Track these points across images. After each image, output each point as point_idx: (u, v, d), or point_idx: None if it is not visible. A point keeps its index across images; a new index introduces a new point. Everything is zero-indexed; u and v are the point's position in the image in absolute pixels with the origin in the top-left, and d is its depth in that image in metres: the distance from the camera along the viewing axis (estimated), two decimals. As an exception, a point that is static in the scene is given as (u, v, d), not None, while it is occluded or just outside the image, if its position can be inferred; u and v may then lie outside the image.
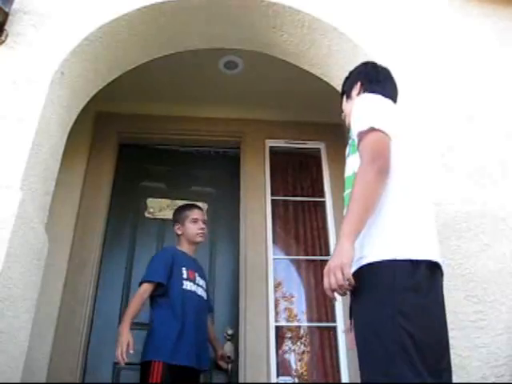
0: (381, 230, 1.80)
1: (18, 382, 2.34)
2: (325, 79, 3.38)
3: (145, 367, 2.99)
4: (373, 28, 3.12)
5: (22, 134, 2.51)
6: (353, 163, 2.03)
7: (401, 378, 1.59)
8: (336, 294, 1.76)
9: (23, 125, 2.54)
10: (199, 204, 4.18)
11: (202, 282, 3.30)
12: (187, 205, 3.58)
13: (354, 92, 2.32)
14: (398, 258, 1.74)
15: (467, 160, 2.79)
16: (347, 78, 2.45)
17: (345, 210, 1.98)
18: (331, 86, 3.32)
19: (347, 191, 2.03)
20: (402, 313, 1.67)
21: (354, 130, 1.98)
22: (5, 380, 2.19)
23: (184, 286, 3.15)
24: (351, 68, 2.50)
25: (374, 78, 2.31)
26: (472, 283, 2.44)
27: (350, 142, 2.13)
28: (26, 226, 2.39)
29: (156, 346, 3.03)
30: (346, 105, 2.38)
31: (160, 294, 3.16)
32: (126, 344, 2.94)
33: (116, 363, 3.37)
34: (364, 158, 1.86)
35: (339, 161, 4.36)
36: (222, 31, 3.30)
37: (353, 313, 1.88)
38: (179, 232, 3.41)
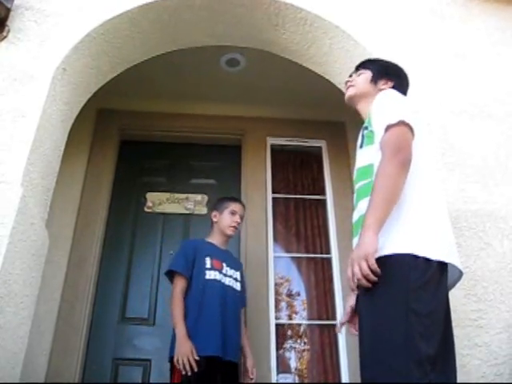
0: (399, 224, 1.80)
1: (18, 377, 2.34)
2: (326, 77, 3.38)
3: (171, 363, 2.89)
4: (374, 26, 3.12)
5: (23, 130, 2.52)
6: (369, 154, 2.03)
7: (409, 377, 1.59)
8: (357, 285, 1.77)
9: (25, 121, 2.54)
10: (199, 196, 4.20)
11: (232, 272, 3.20)
12: (231, 197, 3.54)
13: (381, 82, 2.28)
14: (416, 253, 1.74)
15: (469, 159, 2.79)
16: (379, 61, 2.41)
17: (359, 202, 1.99)
18: (332, 83, 3.32)
19: (361, 183, 2.02)
20: (415, 312, 1.67)
21: (379, 122, 1.97)
22: (4, 376, 2.20)
23: (207, 276, 3.06)
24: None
25: (404, 87, 2.32)
26: (472, 282, 2.45)
27: (364, 132, 2.11)
28: (27, 222, 2.39)
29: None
30: (364, 83, 2.31)
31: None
32: (190, 353, 2.79)
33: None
34: (387, 150, 1.86)
35: (340, 159, 4.41)
36: (224, 29, 3.30)
37: (360, 306, 1.86)
38: (215, 219, 3.35)
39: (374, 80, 2.30)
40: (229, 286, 3.12)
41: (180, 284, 3.04)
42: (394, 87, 2.23)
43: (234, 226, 3.29)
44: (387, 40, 3.08)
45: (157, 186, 4.39)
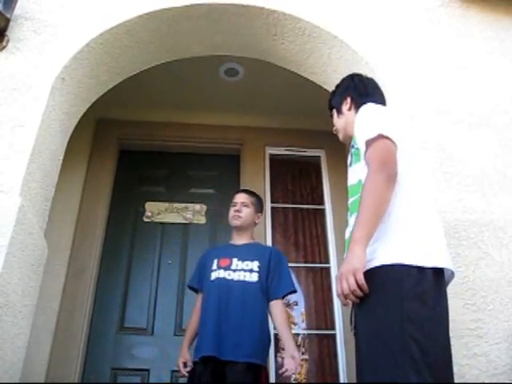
0: (388, 235, 1.81)
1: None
2: (325, 87, 3.39)
3: None
4: (373, 36, 3.13)
5: (22, 140, 2.52)
6: (357, 171, 2.04)
7: None
8: (348, 300, 1.78)
9: (23, 130, 2.55)
10: (198, 205, 4.19)
11: (245, 264, 3.05)
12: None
13: (345, 107, 2.35)
14: (405, 263, 1.73)
15: (467, 168, 2.80)
16: (334, 93, 2.48)
17: (350, 218, 2.00)
18: (330, 93, 3.33)
19: (352, 199, 2.04)
20: (410, 320, 1.66)
21: (361, 138, 1.99)
22: (2, 386, 2.19)
23: (211, 278, 3.03)
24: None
25: (363, 91, 2.34)
26: (471, 291, 2.44)
27: (352, 150, 2.13)
28: (25, 232, 2.39)
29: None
30: (338, 120, 2.41)
31: None
32: (180, 362, 2.98)
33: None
34: (372, 165, 1.87)
35: (339, 168, 4.40)
36: (223, 39, 3.32)
37: (356, 316, 1.86)
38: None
39: (340, 111, 2.38)
40: (237, 282, 2.98)
41: (197, 297, 3.15)
42: (353, 99, 2.31)
43: (234, 216, 3.22)
44: (385, 50, 3.09)
45: (156, 195, 4.40)
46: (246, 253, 3.12)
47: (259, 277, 3.01)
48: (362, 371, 1.75)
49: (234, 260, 3.07)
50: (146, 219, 4.27)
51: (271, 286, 3.03)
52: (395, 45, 3.15)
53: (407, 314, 1.67)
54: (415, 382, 1.58)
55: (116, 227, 4.20)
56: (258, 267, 3.04)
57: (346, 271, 1.73)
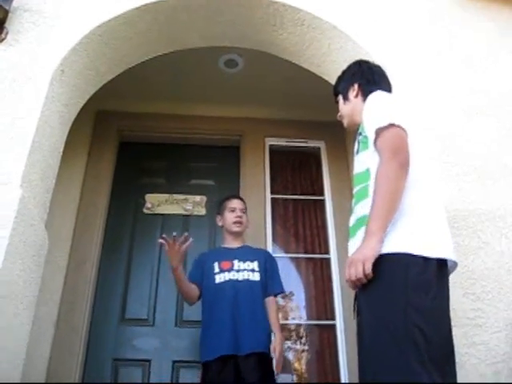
0: (396, 224, 1.82)
1: (19, 378, 2.35)
2: (325, 78, 3.39)
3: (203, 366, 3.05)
4: (373, 26, 3.13)
5: (22, 132, 2.52)
6: (364, 159, 2.04)
7: (413, 375, 1.59)
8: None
9: (23, 122, 2.55)
10: (198, 197, 4.19)
11: (247, 264, 3.22)
12: (228, 196, 3.58)
13: (352, 94, 2.34)
14: (412, 252, 1.75)
15: (467, 158, 2.80)
16: (340, 79, 2.47)
17: (355, 206, 2.01)
18: (331, 84, 3.33)
19: (358, 187, 2.05)
20: (414, 308, 1.68)
21: (370, 127, 1.99)
22: (5, 377, 2.20)
23: (217, 281, 3.14)
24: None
25: (370, 78, 2.34)
26: (470, 281, 2.46)
27: (359, 138, 2.13)
28: (26, 224, 2.40)
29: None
30: (344, 106, 2.40)
31: None
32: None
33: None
34: (385, 154, 1.88)
35: (339, 160, 4.42)
36: (222, 29, 3.31)
37: (360, 303, 1.87)
38: (220, 223, 3.44)
39: (347, 98, 2.37)
40: (243, 281, 3.14)
41: (195, 287, 3.20)
42: (360, 85, 2.30)
43: (236, 222, 3.34)
44: (385, 41, 3.09)
45: (156, 187, 4.40)
46: (244, 254, 3.28)
47: (260, 276, 3.20)
48: (364, 357, 1.76)
49: (235, 261, 3.21)
50: (146, 211, 4.27)
51: (268, 284, 3.25)
52: (395, 35, 3.15)
53: (411, 301, 1.69)
54: (418, 371, 1.59)
55: (116, 218, 4.21)
56: (258, 267, 3.23)
57: (356, 259, 1.77)
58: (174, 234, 2.97)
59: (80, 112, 3.13)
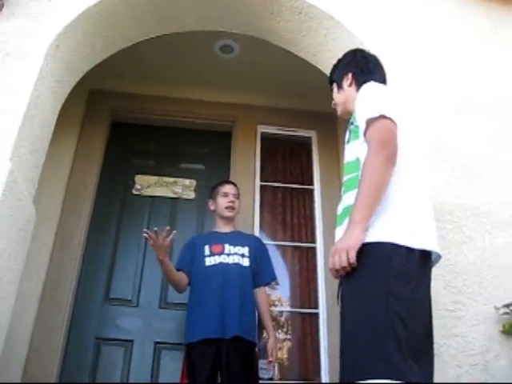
0: (382, 214, 1.84)
1: (0, 349, 2.36)
2: (319, 67, 3.40)
3: (186, 350, 3.08)
4: (369, 18, 3.14)
5: (14, 105, 2.52)
6: (355, 149, 2.06)
7: (391, 363, 1.61)
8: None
9: (16, 96, 2.55)
10: (187, 180, 4.21)
11: (237, 249, 3.23)
12: (220, 181, 3.61)
13: (346, 82, 2.35)
14: (396, 242, 1.77)
15: (455, 154, 2.83)
16: (335, 67, 2.48)
17: (344, 195, 2.03)
18: (326, 74, 3.34)
19: (347, 176, 2.06)
20: (395, 296, 1.70)
21: (361, 117, 2.00)
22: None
23: (207, 263, 3.16)
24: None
25: (365, 67, 2.34)
26: (452, 274, 2.49)
27: (351, 127, 2.15)
28: (14, 197, 2.40)
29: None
30: (338, 95, 2.41)
31: None
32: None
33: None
34: (373, 145, 1.89)
35: (330, 150, 4.44)
36: (220, 14, 3.31)
37: (343, 290, 1.89)
38: (212, 208, 3.45)
39: (341, 87, 2.38)
40: (233, 264, 3.16)
41: (181, 274, 3.20)
42: (354, 75, 2.31)
43: (228, 207, 3.36)
44: (381, 32, 3.10)
45: (146, 169, 4.40)
46: (235, 239, 3.30)
47: (250, 262, 3.22)
48: (344, 343, 1.78)
49: (226, 245, 3.23)
50: (135, 192, 4.27)
51: (258, 272, 3.24)
52: (390, 28, 3.16)
53: (393, 290, 1.71)
54: (396, 359, 1.61)
55: (105, 199, 4.20)
56: (248, 252, 3.25)
57: (340, 248, 1.78)
58: (155, 228, 2.97)
59: (73, 90, 3.13)
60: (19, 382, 3.33)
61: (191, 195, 4.32)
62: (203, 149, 4.57)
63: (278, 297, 4.12)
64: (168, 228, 2.99)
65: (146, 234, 2.98)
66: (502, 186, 2.80)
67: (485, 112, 3.00)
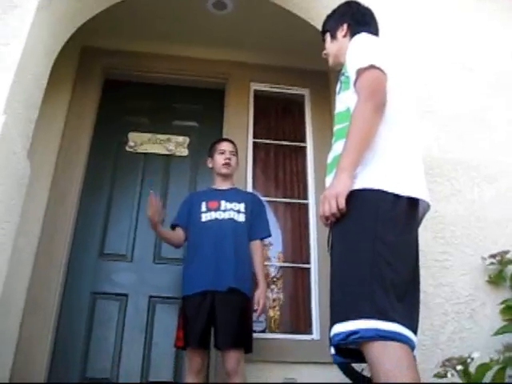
0: (370, 162, 1.87)
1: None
2: (313, 24, 3.38)
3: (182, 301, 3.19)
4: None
5: (6, 59, 2.50)
6: (346, 99, 2.07)
7: (375, 303, 1.66)
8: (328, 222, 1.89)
9: (8, 49, 2.53)
10: (181, 138, 4.26)
11: (233, 205, 3.28)
12: (218, 139, 3.67)
13: (340, 33, 2.36)
14: (383, 189, 1.81)
15: (445, 109, 2.86)
16: (329, 17, 2.48)
17: (334, 144, 2.05)
18: (319, 31, 3.32)
19: (338, 126, 2.09)
20: (382, 240, 1.75)
21: (352, 67, 2.02)
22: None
23: (203, 219, 3.22)
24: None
25: (360, 19, 2.35)
26: (441, 225, 2.54)
27: (342, 78, 2.16)
28: (9, 150, 2.42)
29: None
30: (331, 45, 2.42)
31: None
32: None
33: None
34: (362, 94, 1.92)
35: (322, 108, 4.44)
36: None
37: (333, 237, 1.93)
38: (210, 165, 3.52)
39: (335, 37, 2.39)
40: (229, 220, 3.22)
41: (177, 231, 3.32)
42: (349, 26, 2.32)
43: (225, 164, 3.41)
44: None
45: (139, 126, 4.40)
46: (232, 195, 3.36)
47: (246, 217, 3.28)
48: (332, 284, 1.83)
49: (223, 202, 3.29)
50: (128, 149, 4.28)
51: (253, 227, 3.31)
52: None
53: (379, 234, 1.75)
54: (381, 299, 1.66)
55: (99, 156, 4.21)
56: (245, 209, 3.30)
57: (329, 195, 1.83)
58: (151, 189, 3.04)
59: (65, 47, 3.11)
60: (16, 335, 3.40)
61: (184, 152, 4.33)
62: (196, 106, 4.57)
63: (270, 250, 4.18)
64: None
65: (152, 194, 3.09)
66: (491, 141, 2.84)
67: (476, 70, 3.02)
